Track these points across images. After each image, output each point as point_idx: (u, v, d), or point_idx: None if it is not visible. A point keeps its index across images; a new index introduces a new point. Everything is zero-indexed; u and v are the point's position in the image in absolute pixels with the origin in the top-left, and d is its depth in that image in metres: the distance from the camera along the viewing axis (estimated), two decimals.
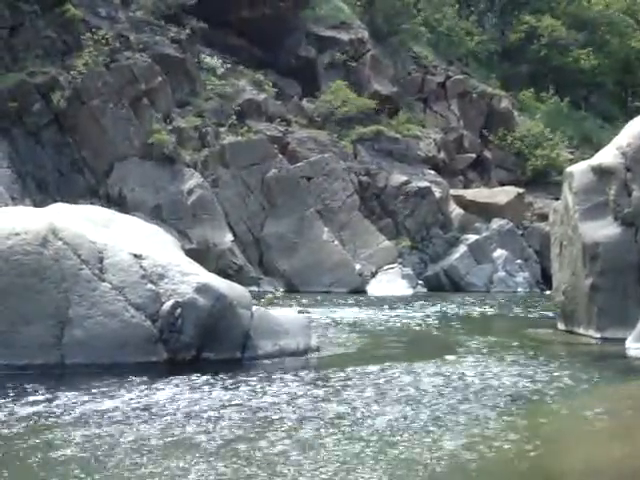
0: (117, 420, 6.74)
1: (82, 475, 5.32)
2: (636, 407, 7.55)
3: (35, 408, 7.06)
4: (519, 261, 26.62)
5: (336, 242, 24.16)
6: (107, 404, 7.29)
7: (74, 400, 7.41)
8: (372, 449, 5.99)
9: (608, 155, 13.12)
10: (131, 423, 6.65)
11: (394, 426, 6.67)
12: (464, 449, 6.00)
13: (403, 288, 23.54)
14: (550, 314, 15.44)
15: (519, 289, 25.59)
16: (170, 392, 7.86)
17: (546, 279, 23.36)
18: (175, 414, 6.97)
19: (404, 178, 27.25)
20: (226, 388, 8.11)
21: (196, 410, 7.14)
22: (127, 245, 9.55)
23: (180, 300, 9.01)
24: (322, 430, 6.51)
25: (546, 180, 31.57)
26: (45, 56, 23.64)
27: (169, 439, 6.19)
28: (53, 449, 5.86)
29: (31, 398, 7.44)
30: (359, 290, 23.10)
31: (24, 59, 23.40)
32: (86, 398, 7.50)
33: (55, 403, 7.29)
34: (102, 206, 15.86)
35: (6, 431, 6.33)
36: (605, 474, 5.56)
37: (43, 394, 7.62)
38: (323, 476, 5.37)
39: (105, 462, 5.58)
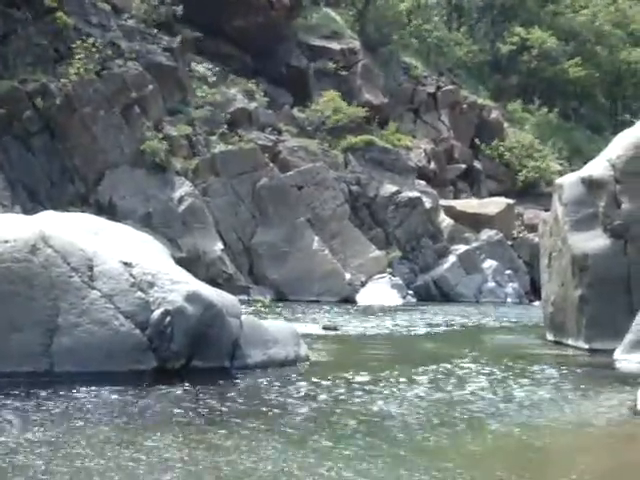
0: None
1: None
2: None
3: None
4: (508, 272, 26.69)
5: (326, 251, 24.17)
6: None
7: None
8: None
9: (598, 167, 13.19)
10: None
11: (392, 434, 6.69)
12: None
13: (393, 298, 23.55)
14: (539, 325, 15.47)
15: (508, 300, 25.66)
16: (163, 399, 7.86)
17: (535, 290, 23.43)
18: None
19: (394, 188, 27.30)
20: (218, 396, 8.12)
21: (194, 418, 7.14)
22: (117, 253, 9.53)
23: (170, 308, 9.00)
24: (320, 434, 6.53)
25: (536, 191, 31.73)
26: (36, 63, 23.58)
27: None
28: None
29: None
30: (349, 299, 23.11)
31: (15, 66, 23.34)
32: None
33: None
34: (92, 214, 15.77)
35: None
36: None
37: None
38: None
39: None
